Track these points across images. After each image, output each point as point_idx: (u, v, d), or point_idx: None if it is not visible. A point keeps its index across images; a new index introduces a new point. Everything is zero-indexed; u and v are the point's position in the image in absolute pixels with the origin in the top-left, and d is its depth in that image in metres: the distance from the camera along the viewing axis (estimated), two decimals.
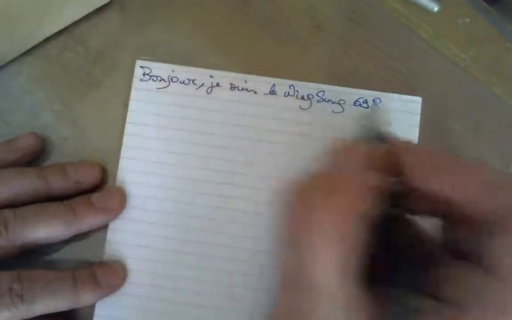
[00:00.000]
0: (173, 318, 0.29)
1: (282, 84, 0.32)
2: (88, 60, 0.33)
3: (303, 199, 0.17)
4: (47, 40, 0.33)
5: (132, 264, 0.30)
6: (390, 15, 0.33)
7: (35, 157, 0.31)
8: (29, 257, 0.30)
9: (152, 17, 0.33)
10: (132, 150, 0.31)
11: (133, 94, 0.32)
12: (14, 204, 0.28)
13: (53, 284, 0.26)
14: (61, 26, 0.33)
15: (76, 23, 0.33)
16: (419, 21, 0.33)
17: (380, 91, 0.32)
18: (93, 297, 0.28)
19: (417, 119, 0.31)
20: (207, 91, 0.32)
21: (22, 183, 0.28)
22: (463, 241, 0.18)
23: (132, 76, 0.32)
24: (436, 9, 0.33)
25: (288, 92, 0.32)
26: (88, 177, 0.30)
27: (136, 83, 0.32)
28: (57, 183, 0.29)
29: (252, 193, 0.31)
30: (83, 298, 0.27)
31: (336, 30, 0.33)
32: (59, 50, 0.33)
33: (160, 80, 0.32)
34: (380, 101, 0.31)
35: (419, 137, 0.31)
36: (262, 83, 0.32)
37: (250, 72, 0.32)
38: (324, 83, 0.32)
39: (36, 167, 0.30)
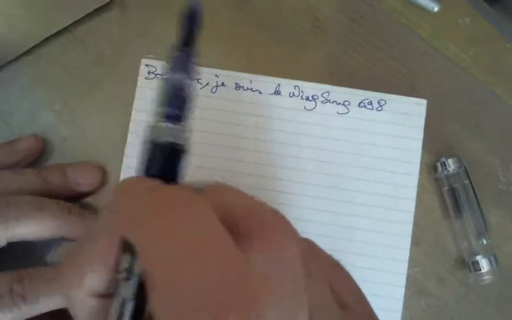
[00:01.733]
0: None
1: (287, 85, 0.32)
2: (88, 60, 0.33)
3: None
4: (47, 40, 0.33)
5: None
6: (390, 15, 0.33)
7: (36, 159, 0.31)
8: (30, 257, 0.30)
9: (151, 17, 0.33)
10: (136, 148, 0.31)
11: (138, 92, 0.32)
12: None
13: (55, 281, 0.26)
14: (61, 26, 0.33)
15: (76, 23, 0.33)
16: (419, 21, 0.33)
17: (380, 90, 0.32)
18: None
19: (421, 121, 0.31)
20: (212, 91, 0.32)
21: (21, 183, 0.28)
22: None
23: (131, 75, 0.32)
24: (436, 9, 0.33)
25: (293, 93, 0.32)
26: (88, 178, 0.30)
27: (141, 81, 0.32)
28: (56, 184, 0.29)
29: (256, 194, 0.31)
30: None
31: (336, 30, 0.33)
32: (59, 50, 0.33)
33: None
34: (385, 102, 0.31)
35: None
36: (267, 83, 0.32)
37: (249, 71, 0.32)
38: (323, 83, 0.32)
39: (35, 168, 0.30)
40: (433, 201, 0.31)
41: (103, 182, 0.31)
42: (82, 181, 0.30)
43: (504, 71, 0.33)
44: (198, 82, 0.32)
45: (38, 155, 0.31)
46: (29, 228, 0.26)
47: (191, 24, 0.18)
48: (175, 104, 0.17)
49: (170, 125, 0.16)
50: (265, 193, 0.31)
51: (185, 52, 0.18)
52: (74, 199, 0.30)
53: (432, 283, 0.30)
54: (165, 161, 0.16)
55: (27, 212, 0.26)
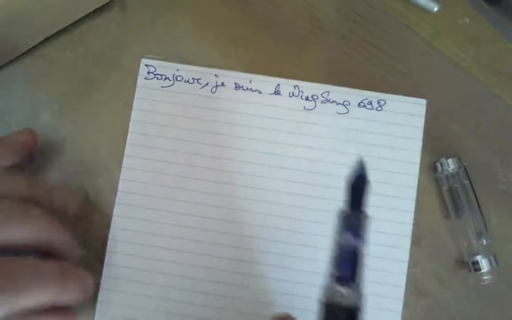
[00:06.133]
0: (176, 316, 0.29)
1: (287, 85, 0.32)
2: (88, 60, 0.33)
3: None
4: (47, 40, 0.33)
5: (134, 263, 0.30)
6: (390, 15, 0.33)
7: (30, 153, 0.31)
8: None
9: (152, 17, 0.33)
10: (136, 148, 0.31)
11: (138, 92, 0.32)
12: None
13: (39, 273, 0.25)
14: (61, 26, 0.33)
15: (76, 23, 0.33)
16: (419, 21, 0.33)
17: (380, 90, 0.32)
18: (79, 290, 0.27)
19: (421, 121, 0.31)
20: (211, 91, 0.32)
21: (9, 189, 0.27)
22: None
23: (131, 75, 0.32)
24: (436, 9, 0.33)
25: (293, 93, 0.32)
26: (72, 204, 0.30)
27: (140, 81, 0.32)
28: (42, 200, 0.29)
29: (256, 194, 0.31)
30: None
31: (336, 30, 0.33)
32: (59, 50, 0.33)
33: (165, 79, 0.32)
34: (385, 102, 0.31)
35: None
36: (266, 83, 0.32)
37: (249, 71, 0.32)
38: (324, 83, 0.32)
39: (29, 178, 0.29)
40: (433, 201, 0.31)
41: (87, 210, 0.31)
42: (67, 205, 0.30)
43: (504, 71, 0.33)
44: (198, 82, 0.32)
45: (33, 150, 0.31)
46: (15, 232, 0.26)
47: (359, 188, 0.19)
48: (349, 267, 0.18)
49: (343, 289, 0.17)
50: (264, 193, 0.31)
51: (355, 216, 0.19)
52: None
53: (432, 283, 0.30)
54: None
55: (14, 216, 0.26)
